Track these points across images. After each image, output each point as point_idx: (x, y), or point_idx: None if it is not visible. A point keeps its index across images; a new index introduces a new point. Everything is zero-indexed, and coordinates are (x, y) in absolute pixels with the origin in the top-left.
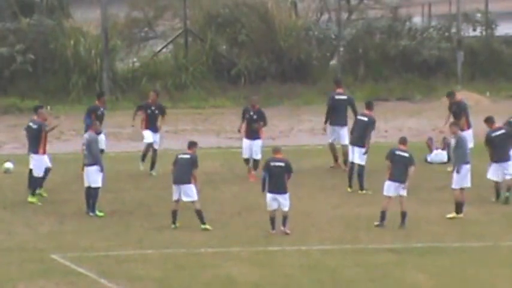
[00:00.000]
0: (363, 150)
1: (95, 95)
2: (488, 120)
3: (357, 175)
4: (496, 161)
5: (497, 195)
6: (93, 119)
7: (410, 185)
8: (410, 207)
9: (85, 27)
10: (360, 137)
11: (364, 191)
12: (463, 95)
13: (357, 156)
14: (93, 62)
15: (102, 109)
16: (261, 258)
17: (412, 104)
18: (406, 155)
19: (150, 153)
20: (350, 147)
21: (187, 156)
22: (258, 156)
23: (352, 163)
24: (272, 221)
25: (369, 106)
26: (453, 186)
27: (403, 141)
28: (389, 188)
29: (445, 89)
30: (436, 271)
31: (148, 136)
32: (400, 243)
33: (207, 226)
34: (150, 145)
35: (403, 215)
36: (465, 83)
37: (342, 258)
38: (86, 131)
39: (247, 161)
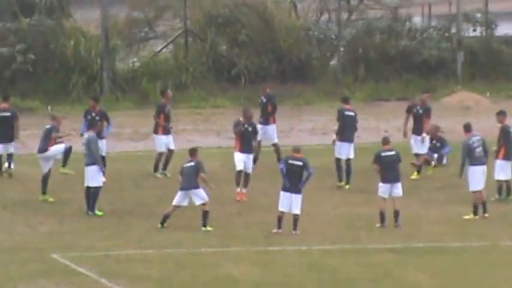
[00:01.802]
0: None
1: (92, 96)
2: (501, 114)
3: (346, 168)
4: (507, 159)
5: (500, 193)
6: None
7: (410, 185)
8: (411, 207)
9: (85, 27)
10: (353, 132)
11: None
12: (463, 95)
13: (352, 151)
14: (93, 62)
15: (93, 114)
16: (262, 258)
17: None
18: (393, 153)
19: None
20: (344, 144)
21: (192, 164)
22: (250, 170)
23: (339, 159)
24: (279, 220)
25: (348, 100)
26: (470, 189)
27: (386, 141)
28: (384, 190)
29: (445, 89)
30: (436, 271)
31: (161, 144)
32: (400, 243)
33: (208, 228)
34: (161, 154)
35: (396, 214)
36: (465, 83)
37: (342, 258)
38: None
39: (240, 173)
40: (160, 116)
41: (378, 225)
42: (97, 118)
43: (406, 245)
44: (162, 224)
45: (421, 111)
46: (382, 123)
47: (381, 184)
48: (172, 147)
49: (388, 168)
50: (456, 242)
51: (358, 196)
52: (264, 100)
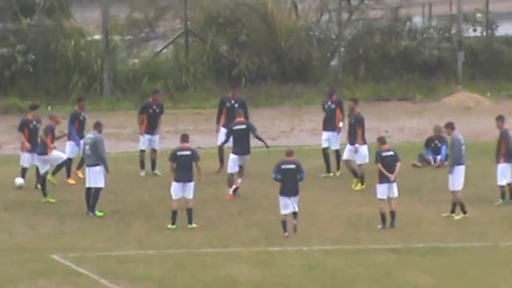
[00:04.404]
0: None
1: (95, 95)
2: (500, 119)
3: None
4: (508, 161)
5: (504, 197)
6: (77, 125)
7: (411, 185)
8: (412, 207)
9: (86, 27)
10: (331, 123)
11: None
12: (463, 95)
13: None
14: (93, 63)
15: (83, 114)
16: (262, 259)
17: (412, 104)
18: (392, 153)
19: (149, 154)
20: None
21: (188, 152)
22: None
23: (327, 149)
24: (284, 224)
25: (332, 92)
26: (450, 188)
27: (383, 141)
28: (383, 191)
29: (445, 89)
30: (437, 271)
31: (143, 143)
32: (401, 243)
33: (194, 225)
34: (144, 151)
35: (393, 214)
36: (466, 83)
37: (342, 258)
38: (68, 138)
39: (232, 176)
40: (143, 114)
41: (379, 226)
42: (86, 116)
43: (407, 245)
44: (174, 223)
45: (353, 120)
46: (383, 123)
47: (378, 185)
48: (156, 147)
49: (387, 169)
50: (457, 242)
51: (358, 196)
52: (236, 105)
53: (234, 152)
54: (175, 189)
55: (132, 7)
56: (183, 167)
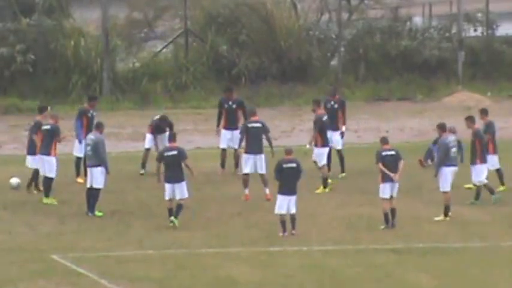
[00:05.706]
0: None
1: (94, 96)
2: (469, 119)
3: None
4: (485, 162)
5: (493, 192)
6: (84, 123)
7: (412, 185)
8: (412, 208)
9: (85, 27)
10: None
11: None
12: (464, 95)
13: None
14: (93, 62)
15: (92, 111)
16: (262, 259)
17: (413, 104)
18: (394, 152)
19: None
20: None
21: (174, 152)
22: (264, 170)
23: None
24: (283, 224)
25: (335, 92)
26: (441, 189)
27: (385, 141)
28: (386, 191)
29: (446, 89)
30: (437, 271)
31: (148, 141)
32: (401, 244)
33: (176, 221)
34: (149, 150)
35: (394, 212)
36: (466, 83)
37: (343, 258)
38: (77, 134)
39: (247, 176)
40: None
41: (382, 226)
42: (94, 114)
43: (408, 246)
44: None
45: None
46: (383, 123)
47: (382, 185)
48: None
49: (388, 168)
50: (457, 242)
51: (359, 197)
52: (234, 106)
53: (247, 152)
54: (167, 190)
55: (132, 7)
56: (171, 167)
